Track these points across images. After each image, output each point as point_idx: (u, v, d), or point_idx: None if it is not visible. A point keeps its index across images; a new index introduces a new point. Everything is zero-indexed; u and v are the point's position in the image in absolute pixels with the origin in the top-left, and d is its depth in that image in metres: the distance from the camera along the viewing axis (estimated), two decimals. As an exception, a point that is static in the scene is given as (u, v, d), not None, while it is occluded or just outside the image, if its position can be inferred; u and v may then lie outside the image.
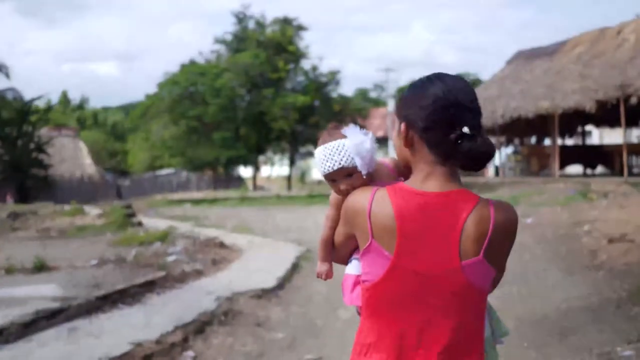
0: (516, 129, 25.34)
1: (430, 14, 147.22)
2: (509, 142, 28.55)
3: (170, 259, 8.20)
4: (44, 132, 32.19)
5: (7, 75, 34.86)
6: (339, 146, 1.80)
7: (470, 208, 1.65)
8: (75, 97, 56.98)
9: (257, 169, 38.14)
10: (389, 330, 1.68)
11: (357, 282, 1.82)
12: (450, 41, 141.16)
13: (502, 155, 31.14)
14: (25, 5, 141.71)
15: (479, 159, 1.66)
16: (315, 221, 14.64)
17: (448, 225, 1.64)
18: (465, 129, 1.65)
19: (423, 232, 1.65)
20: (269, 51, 34.71)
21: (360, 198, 1.72)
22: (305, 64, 36.30)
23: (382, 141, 41.84)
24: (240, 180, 38.94)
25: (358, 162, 1.77)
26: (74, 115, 52.58)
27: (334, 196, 1.88)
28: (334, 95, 36.39)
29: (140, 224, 13.38)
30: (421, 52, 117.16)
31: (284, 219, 16.07)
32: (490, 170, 28.56)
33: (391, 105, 43.11)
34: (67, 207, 17.53)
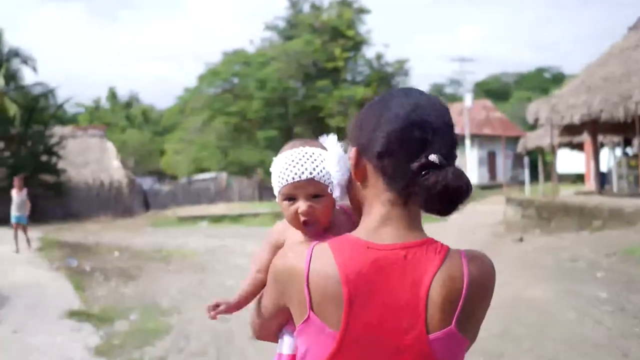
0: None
1: (507, 9, 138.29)
2: (627, 141, 20.24)
3: None
4: (67, 131, 28.47)
5: (35, 69, 31.87)
6: (313, 153, 1.38)
7: (437, 264, 1.26)
8: (124, 94, 53.44)
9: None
10: None
11: None
12: (527, 37, 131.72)
13: (610, 158, 24.45)
14: (92, 6, 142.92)
15: (447, 198, 1.24)
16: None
17: (410, 289, 1.25)
18: (433, 157, 1.25)
19: (378, 299, 1.25)
20: (324, 37, 29.93)
21: (293, 256, 1.29)
22: (368, 52, 31.38)
23: (459, 140, 36.51)
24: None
25: (335, 177, 1.34)
26: (123, 113, 49.46)
27: (276, 229, 1.46)
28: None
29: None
30: (497, 49, 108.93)
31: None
32: (591, 179, 21.70)
33: (468, 99, 37.24)
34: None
